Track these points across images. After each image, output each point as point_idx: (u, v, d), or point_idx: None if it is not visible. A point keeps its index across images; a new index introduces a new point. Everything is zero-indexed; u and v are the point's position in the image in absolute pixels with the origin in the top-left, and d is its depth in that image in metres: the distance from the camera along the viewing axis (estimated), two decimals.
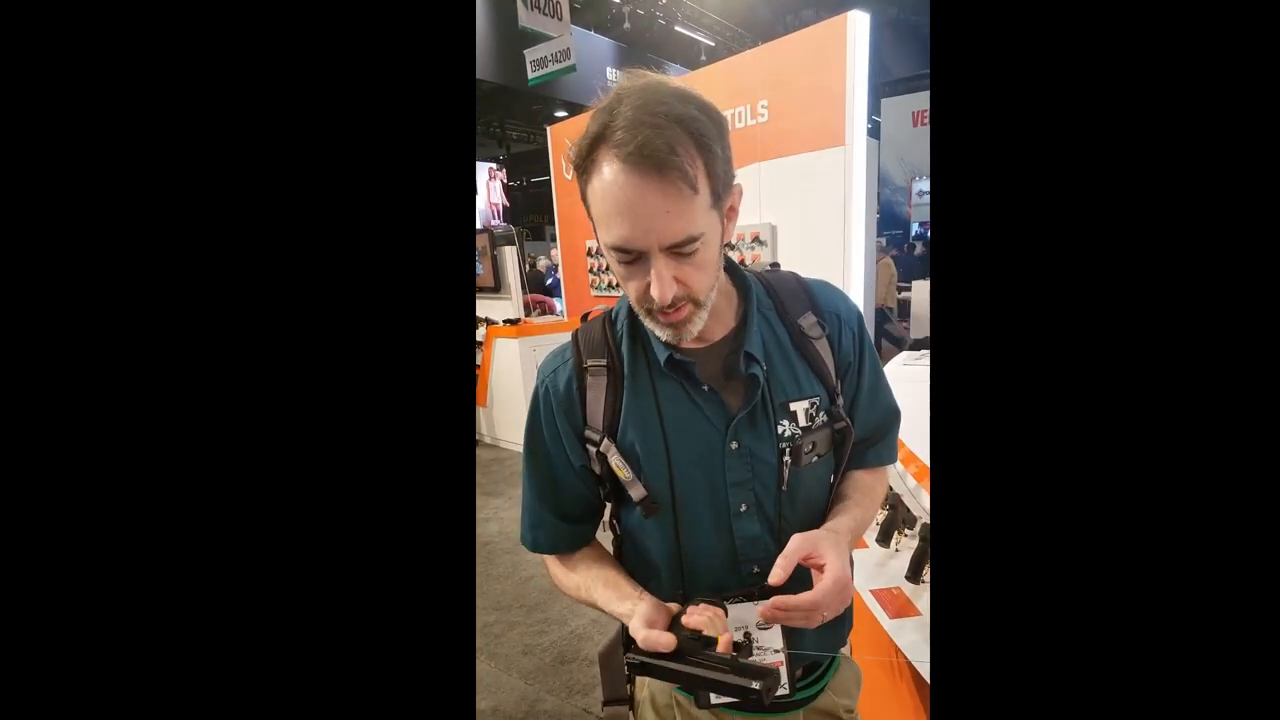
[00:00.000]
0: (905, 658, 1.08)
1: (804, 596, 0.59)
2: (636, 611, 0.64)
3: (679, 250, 0.59)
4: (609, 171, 0.57)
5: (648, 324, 0.67)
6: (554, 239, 6.22)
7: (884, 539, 1.38)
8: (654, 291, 0.60)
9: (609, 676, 0.80)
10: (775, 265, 0.82)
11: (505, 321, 4.70)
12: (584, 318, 0.77)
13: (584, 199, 0.63)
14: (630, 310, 0.73)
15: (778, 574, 0.60)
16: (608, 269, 5.23)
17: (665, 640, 0.59)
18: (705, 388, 0.69)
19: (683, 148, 0.56)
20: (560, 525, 0.78)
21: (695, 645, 0.60)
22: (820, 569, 0.61)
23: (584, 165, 0.60)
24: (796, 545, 0.62)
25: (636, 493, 0.70)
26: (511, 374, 4.56)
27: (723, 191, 0.62)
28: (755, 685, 0.54)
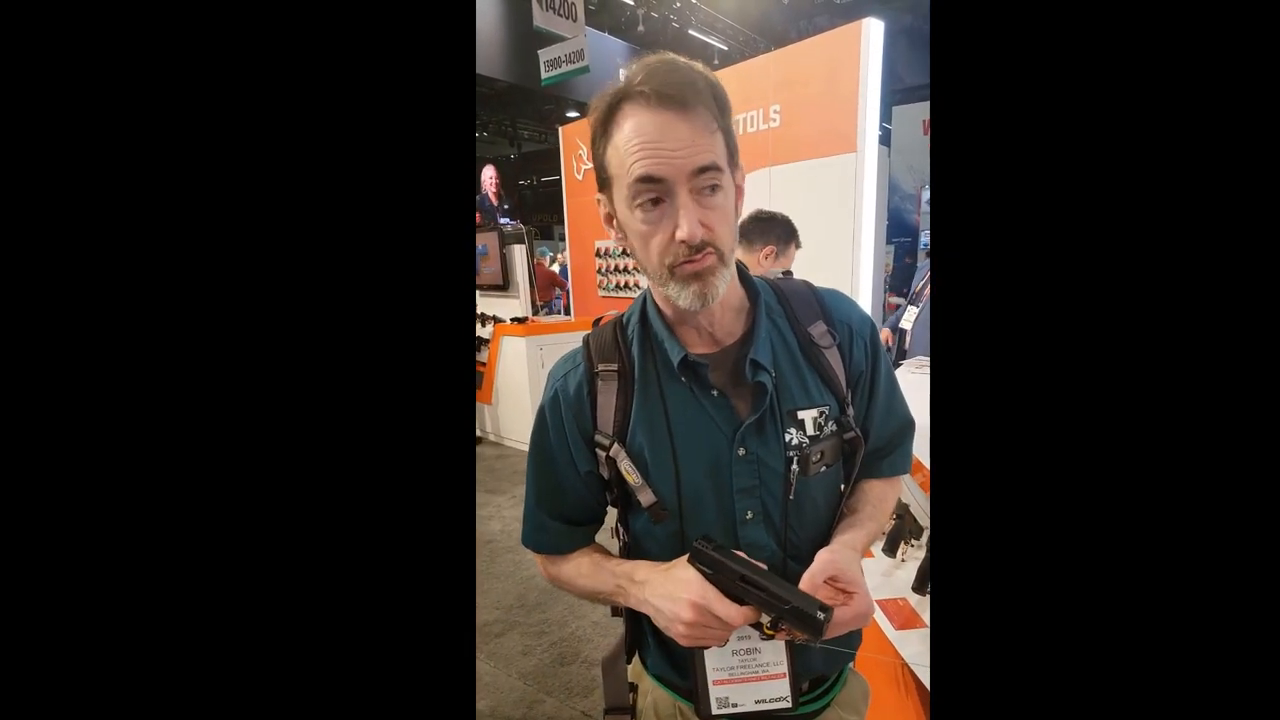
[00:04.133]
0: (911, 670, 1.07)
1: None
2: (678, 562, 0.66)
3: (702, 181, 0.61)
4: (634, 115, 0.60)
5: (670, 291, 0.64)
6: (563, 238, 6.23)
7: (890, 549, 1.37)
8: (681, 231, 0.60)
9: (611, 684, 0.80)
10: (788, 273, 0.82)
11: (513, 320, 4.71)
12: (596, 322, 0.77)
13: (602, 165, 0.65)
14: (643, 314, 0.73)
15: (804, 586, 0.61)
16: (616, 269, 5.23)
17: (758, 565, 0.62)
18: (715, 392, 0.69)
19: (702, 88, 0.60)
20: (563, 529, 0.78)
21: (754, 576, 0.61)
22: (848, 595, 0.62)
23: (605, 130, 0.63)
24: (823, 566, 0.63)
25: (645, 498, 0.69)
26: (518, 372, 4.57)
27: (734, 154, 0.65)
28: (820, 615, 0.57)
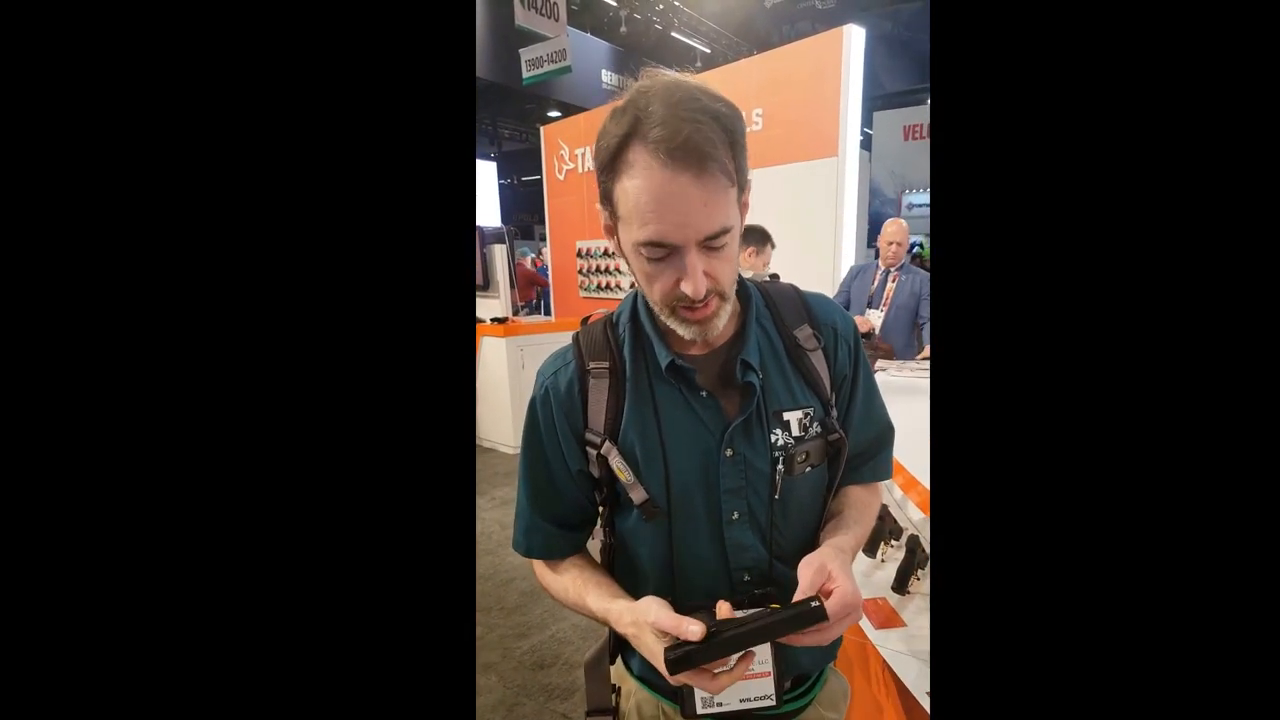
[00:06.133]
0: (890, 669, 1.08)
1: None
2: (648, 605, 0.62)
3: (712, 243, 0.59)
4: (646, 169, 0.56)
5: (671, 323, 0.65)
6: (543, 238, 6.21)
7: (870, 550, 1.38)
8: (687, 287, 0.60)
9: (594, 686, 0.79)
10: (775, 276, 0.83)
11: (493, 320, 4.68)
12: (584, 321, 0.77)
13: (606, 199, 0.62)
14: (633, 314, 0.73)
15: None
16: (597, 270, 5.23)
17: (697, 629, 0.57)
18: (703, 394, 0.69)
19: (720, 142, 0.57)
20: (554, 531, 0.77)
21: (720, 623, 0.59)
22: (828, 595, 0.61)
23: (612, 164, 0.59)
24: (811, 579, 0.61)
25: (638, 496, 0.69)
26: (498, 373, 4.54)
27: (744, 186, 0.63)
28: (814, 604, 0.56)
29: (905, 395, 2.02)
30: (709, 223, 0.58)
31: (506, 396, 4.50)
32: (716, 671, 0.58)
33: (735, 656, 0.59)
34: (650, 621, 0.61)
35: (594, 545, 0.82)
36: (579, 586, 0.74)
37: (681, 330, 0.65)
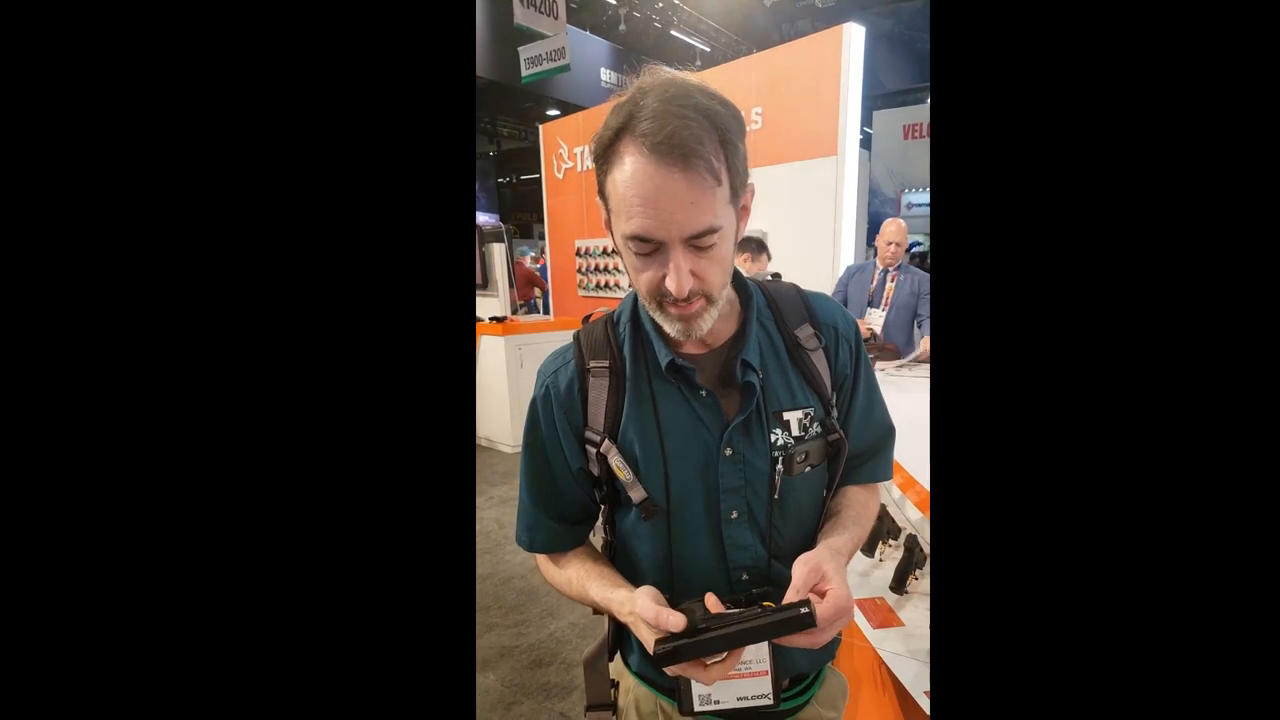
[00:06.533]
0: (888, 668, 1.08)
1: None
2: (636, 595, 0.63)
3: (698, 242, 0.59)
4: (634, 162, 0.57)
5: (657, 318, 0.66)
6: (543, 237, 6.21)
7: (869, 549, 1.39)
8: (670, 284, 0.60)
9: (593, 681, 0.80)
10: (776, 275, 0.83)
11: (491, 319, 4.67)
12: (585, 319, 0.77)
13: (601, 191, 0.63)
14: (633, 313, 0.73)
15: (790, 599, 0.60)
16: (596, 269, 5.23)
17: (676, 620, 0.58)
18: (703, 393, 0.69)
19: (709, 139, 0.57)
20: (557, 527, 0.78)
21: (711, 618, 0.59)
22: (823, 595, 0.60)
23: (605, 156, 0.60)
24: (805, 577, 0.61)
25: (637, 495, 0.69)
26: (496, 372, 4.54)
27: (740, 188, 0.62)
28: (804, 610, 0.56)
29: (902, 392, 2.02)
30: (694, 221, 0.58)
31: (505, 395, 4.50)
32: (708, 663, 0.59)
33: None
34: (636, 611, 0.61)
35: (595, 541, 0.82)
36: (582, 578, 0.74)
37: (667, 326, 0.65)
